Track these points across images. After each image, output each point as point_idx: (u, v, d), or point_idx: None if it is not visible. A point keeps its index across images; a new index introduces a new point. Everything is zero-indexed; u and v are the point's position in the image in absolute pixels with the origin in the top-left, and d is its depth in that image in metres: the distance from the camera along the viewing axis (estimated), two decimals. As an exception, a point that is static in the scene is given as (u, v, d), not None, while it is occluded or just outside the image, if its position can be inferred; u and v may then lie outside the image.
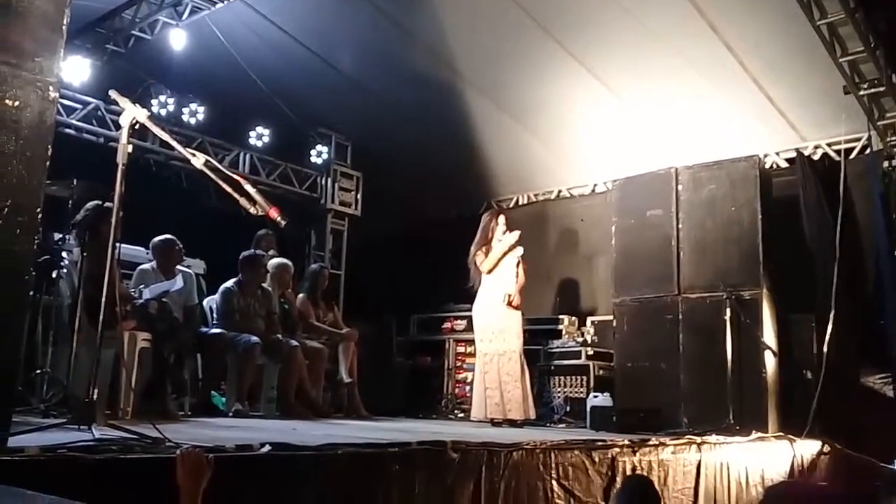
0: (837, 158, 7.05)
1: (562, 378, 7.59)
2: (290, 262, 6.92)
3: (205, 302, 6.34)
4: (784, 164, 7.59)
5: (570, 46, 7.15)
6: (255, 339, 5.85)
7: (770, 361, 6.27)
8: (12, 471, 1.98)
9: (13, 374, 2.39)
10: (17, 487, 1.85)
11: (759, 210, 6.37)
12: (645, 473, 4.37)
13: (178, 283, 5.26)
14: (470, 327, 8.56)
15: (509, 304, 6.56)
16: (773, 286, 6.42)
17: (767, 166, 7.39)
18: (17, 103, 2.40)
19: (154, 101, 7.48)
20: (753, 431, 5.72)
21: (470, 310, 8.71)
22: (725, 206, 6.54)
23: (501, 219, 6.89)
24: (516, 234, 6.73)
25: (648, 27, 6.60)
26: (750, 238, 6.37)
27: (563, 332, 8.16)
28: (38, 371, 4.40)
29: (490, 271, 6.66)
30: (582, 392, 7.32)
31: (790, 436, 5.85)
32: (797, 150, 7.37)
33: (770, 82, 6.87)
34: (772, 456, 5.53)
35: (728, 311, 6.15)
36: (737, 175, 6.55)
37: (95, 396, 2.95)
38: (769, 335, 6.32)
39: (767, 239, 6.34)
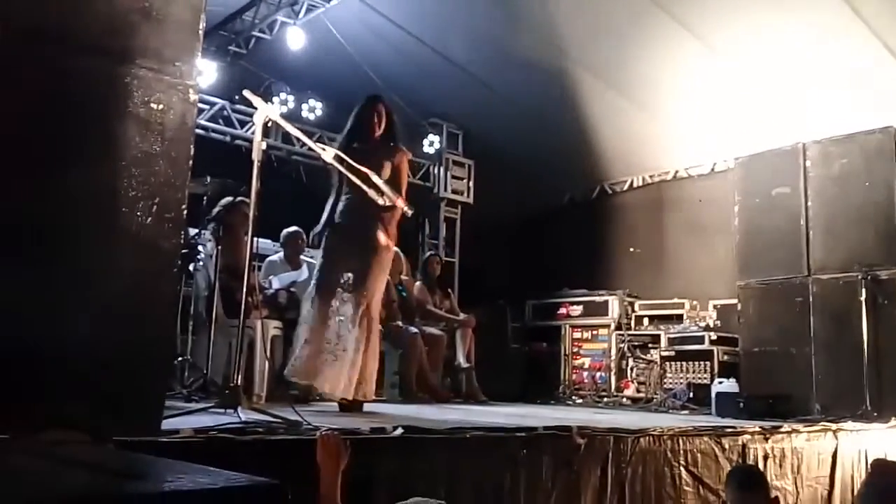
0: (982, 127, 6.54)
1: (684, 364, 7.40)
2: (399, 250, 7.04)
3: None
4: (923, 135, 7.10)
5: (681, 16, 6.92)
6: (376, 326, 5.99)
7: (910, 344, 5.91)
8: (170, 450, 2.12)
9: (167, 362, 2.55)
10: (177, 461, 1.98)
11: (897, 185, 6.00)
12: (777, 461, 4.24)
13: (304, 272, 5.46)
14: (587, 313, 8.55)
15: None
16: (913, 265, 6.04)
17: (904, 137, 6.93)
18: (161, 106, 2.53)
19: (275, 99, 7.76)
20: (893, 418, 5.42)
21: (586, 295, 8.69)
22: (859, 181, 6.19)
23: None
24: None
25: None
26: (886, 215, 6.02)
27: (685, 317, 7.96)
28: (179, 358, 4.66)
29: None
30: (705, 378, 7.12)
31: (934, 423, 5.51)
32: (938, 118, 6.88)
33: (904, 47, 6.45)
34: (914, 444, 5.22)
35: (864, 292, 5.85)
36: (871, 148, 6.19)
37: (238, 381, 3.10)
38: (909, 317, 5.96)
39: (906, 215, 5.97)
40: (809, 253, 6.35)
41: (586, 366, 8.45)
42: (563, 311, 8.74)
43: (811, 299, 6.29)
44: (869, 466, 4.33)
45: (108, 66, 2.45)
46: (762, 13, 6.53)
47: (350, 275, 4.22)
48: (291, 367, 4.15)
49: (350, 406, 4.14)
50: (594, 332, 8.44)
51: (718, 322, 7.72)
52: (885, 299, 5.87)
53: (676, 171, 9.17)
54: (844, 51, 6.60)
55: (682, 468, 3.70)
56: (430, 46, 7.91)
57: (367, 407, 4.28)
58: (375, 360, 4.32)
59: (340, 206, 4.33)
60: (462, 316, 7.15)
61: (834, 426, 4.81)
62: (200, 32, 2.70)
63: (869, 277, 5.90)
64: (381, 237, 4.22)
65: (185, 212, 2.57)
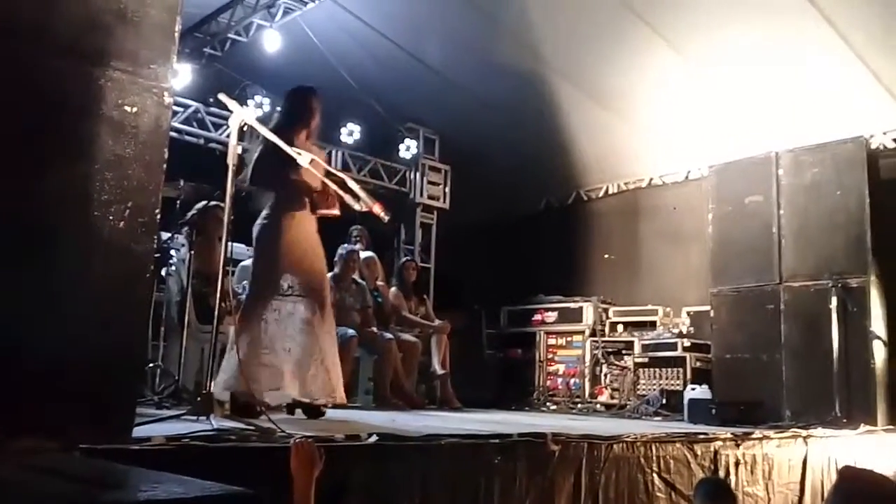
0: (951, 137, 6.68)
1: (657, 370, 7.45)
2: (375, 256, 7.03)
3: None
4: (892, 145, 7.22)
5: (658, 26, 7.00)
6: (351, 332, 5.97)
7: (879, 352, 6.02)
8: (141, 458, 2.10)
9: (139, 368, 2.52)
10: (146, 469, 1.95)
11: (867, 194, 6.14)
12: (749, 467, 4.28)
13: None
14: (562, 319, 8.58)
15: None
16: (883, 273, 6.17)
17: (874, 147, 7.05)
18: (135, 109, 2.51)
19: (250, 102, 7.71)
20: (862, 424, 5.52)
21: (561, 301, 8.72)
22: (830, 190, 6.30)
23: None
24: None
25: (742, 3, 6.40)
26: (857, 224, 6.12)
27: (659, 324, 8.02)
28: (151, 364, 4.60)
29: None
30: (678, 384, 7.18)
31: (902, 429, 5.62)
32: (906, 129, 7.02)
33: (875, 58, 6.56)
34: (882, 449, 5.31)
35: (834, 299, 5.94)
36: (842, 158, 6.30)
37: (211, 388, 3.07)
38: (878, 324, 6.08)
39: (875, 224, 6.09)
40: (781, 260, 6.44)
41: (561, 372, 8.47)
42: (538, 317, 8.76)
43: (782, 307, 6.38)
44: (837, 473, 4.39)
45: (82, 68, 2.42)
46: (737, 23, 6.61)
47: (295, 278, 4.04)
48: (236, 380, 3.80)
49: (318, 410, 4.06)
50: (569, 339, 8.47)
51: (691, 329, 7.78)
52: (855, 307, 5.96)
53: (651, 179, 9.25)
54: (817, 61, 6.69)
55: (654, 474, 3.73)
56: (407, 51, 7.92)
57: (341, 414, 4.25)
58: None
59: (278, 205, 4.06)
60: (437, 322, 7.14)
61: (804, 432, 4.86)
62: (176, 35, 2.68)
63: (839, 285, 6.00)
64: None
65: (158, 216, 2.54)
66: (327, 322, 4.12)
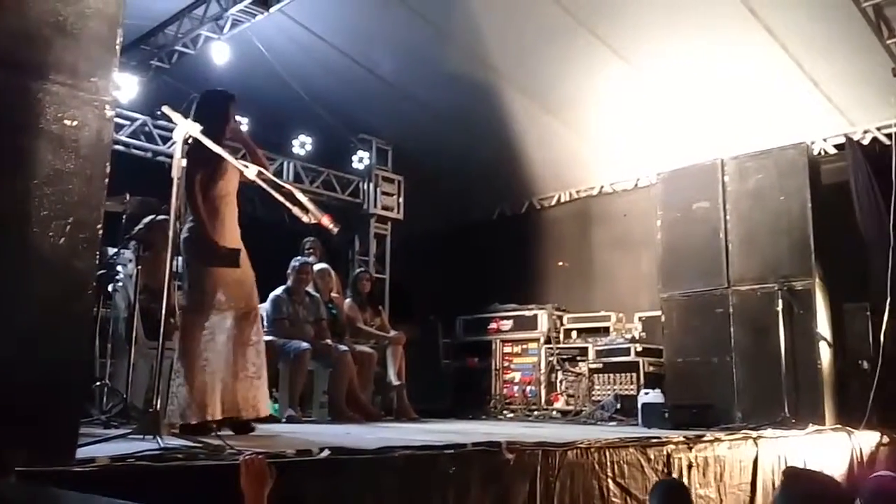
0: (888, 143, 6.89)
1: (611, 375, 7.53)
2: (329, 267, 6.98)
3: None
4: (833, 151, 7.45)
5: (606, 37, 7.12)
6: (305, 344, 5.92)
7: (825, 353, 6.15)
8: (84, 480, 2.04)
9: (82, 386, 2.46)
10: (91, 495, 1.91)
11: (809, 198, 6.28)
12: (701, 470, 4.33)
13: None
14: (517, 327, 8.62)
15: None
16: (826, 276, 6.31)
17: (816, 153, 7.27)
18: (75, 123, 2.46)
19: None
20: (810, 424, 5.63)
21: (516, 309, 8.77)
22: (774, 195, 6.44)
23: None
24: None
25: (687, 15, 6.53)
26: (800, 228, 6.26)
27: (612, 329, 8.11)
28: (98, 383, 4.50)
29: None
30: (632, 389, 7.26)
31: (848, 428, 5.75)
32: (846, 135, 7.23)
33: (814, 66, 6.76)
34: (830, 449, 5.42)
35: (780, 302, 6.07)
36: (784, 163, 6.45)
37: (158, 406, 3.01)
38: (823, 326, 6.21)
39: (818, 228, 6.24)
40: (729, 265, 6.55)
41: (517, 380, 8.51)
42: (493, 325, 8.80)
43: (731, 310, 6.48)
44: (782, 474, 4.48)
45: (20, 81, 2.36)
46: (682, 33, 6.75)
47: (225, 289, 3.92)
48: (190, 409, 3.72)
49: (245, 426, 3.98)
50: (524, 347, 8.52)
51: (644, 334, 7.88)
52: (801, 309, 6.10)
53: (602, 187, 9.38)
54: (760, 70, 6.87)
55: (609, 480, 3.75)
56: (358, 62, 7.91)
57: (294, 428, 4.19)
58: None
59: (196, 218, 3.92)
60: (393, 333, 7.11)
61: (754, 434, 4.93)
62: (117, 47, 2.63)
63: (785, 288, 6.13)
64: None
65: (100, 231, 2.49)
66: (256, 333, 4.05)
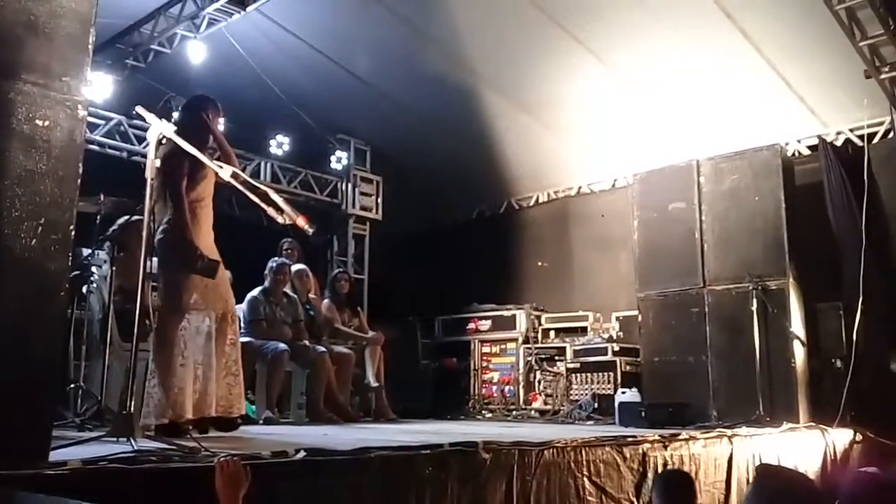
0: (861, 144, 6.99)
1: (589, 375, 7.57)
2: (307, 268, 6.95)
3: (232, 311, 6.39)
4: (806, 152, 7.55)
5: (584, 39, 7.16)
6: (282, 346, 5.90)
7: (799, 351, 6.23)
8: (56, 484, 2.02)
9: (53, 389, 2.44)
10: (63, 498, 1.89)
11: (783, 199, 6.34)
12: (676, 468, 4.36)
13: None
14: (495, 327, 8.64)
15: None
16: (799, 275, 6.38)
17: (789, 154, 7.36)
18: (47, 123, 2.44)
19: (175, 114, 7.53)
20: (784, 422, 5.69)
21: (494, 309, 8.79)
22: (748, 196, 6.50)
23: None
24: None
25: (663, 17, 6.59)
26: (774, 228, 6.33)
27: (589, 329, 8.15)
28: (72, 385, 4.45)
29: None
30: (609, 388, 7.30)
31: (821, 425, 5.81)
32: (819, 136, 7.32)
33: (788, 68, 6.84)
34: (804, 446, 5.48)
35: (755, 302, 6.13)
36: (759, 164, 6.52)
37: (132, 408, 2.99)
38: (797, 325, 6.28)
39: (792, 228, 6.31)
40: (704, 265, 6.61)
41: (495, 380, 8.53)
42: (472, 325, 8.81)
43: (706, 309, 6.54)
44: (755, 471, 4.53)
45: (-10, 81, 2.34)
46: (658, 35, 6.81)
47: (199, 288, 3.92)
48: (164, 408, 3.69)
49: (231, 423, 3.98)
50: (503, 347, 8.54)
51: (621, 333, 7.93)
52: (775, 308, 6.16)
53: (580, 187, 9.43)
54: (734, 71, 6.94)
55: (585, 478, 3.76)
56: (336, 62, 7.89)
57: (271, 429, 4.18)
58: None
59: (180, 221, 3.90)
60: (371, 333, 7.10)
61: (729, 432, 4.97)
62: (90, 47, 2.61)
63: (759, 287, 6.19)
64: None
65: (73, 232, 2.47)
66: (234, 333, 4.06)
